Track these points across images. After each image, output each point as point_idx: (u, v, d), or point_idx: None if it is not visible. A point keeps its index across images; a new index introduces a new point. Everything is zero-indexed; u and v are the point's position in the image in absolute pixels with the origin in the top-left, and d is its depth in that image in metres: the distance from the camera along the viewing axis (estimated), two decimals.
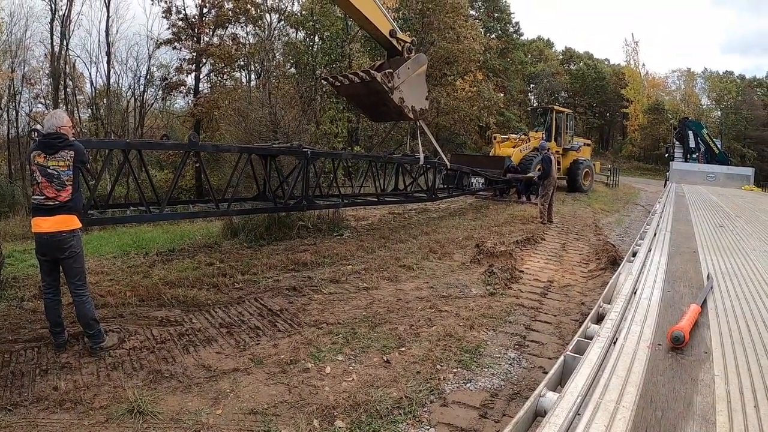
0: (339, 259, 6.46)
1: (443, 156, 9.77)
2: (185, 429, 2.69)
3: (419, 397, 3.07)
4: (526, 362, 3.70)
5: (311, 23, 20.76)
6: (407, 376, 3.32)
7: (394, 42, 7.78)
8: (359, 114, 18.32)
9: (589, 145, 20.06)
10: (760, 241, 5.44)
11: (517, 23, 38.39)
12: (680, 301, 3.05)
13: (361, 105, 8.75)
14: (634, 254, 4.45)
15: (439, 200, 10.58)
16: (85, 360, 3.46)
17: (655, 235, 5.25)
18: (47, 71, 22.31)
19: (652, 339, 2.38)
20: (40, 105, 22.83)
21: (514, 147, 15.89)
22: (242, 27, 24.32)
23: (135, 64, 24.49)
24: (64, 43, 21.60)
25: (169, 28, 23.51)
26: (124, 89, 24.93)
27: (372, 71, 7.32)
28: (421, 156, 8.71)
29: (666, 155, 25.83)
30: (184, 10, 23.33)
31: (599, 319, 2.82)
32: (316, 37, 21.68)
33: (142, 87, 24.53)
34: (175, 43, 23.39)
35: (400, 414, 2.88)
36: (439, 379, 3.30)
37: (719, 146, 22.84)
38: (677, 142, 23.17)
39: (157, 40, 23.44)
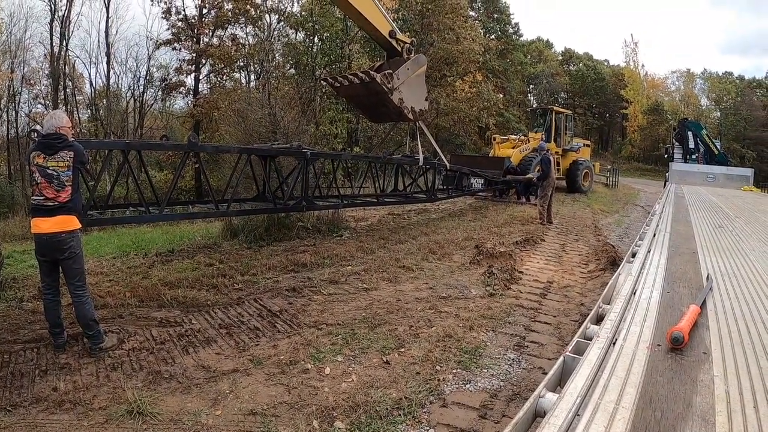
0: (338, 260, 6.45)
1: (443, 157, 9.76)
2: (185, 430, 2.70)
3: (419, 397, 3.07)
4: (525, 363, 3.71)
5: (311, 24, 20.74)
6: (407, 377, 3.33)
7: (394, 43, 7.78)
8: (359, 115, 18.32)
9: (588, 145, 20.09)
10: (760, 242, 5.44)
11: (516, 24, 38.42)
12: (680, 301, 3.05)
13: (361, 106, 8.75)
14: (634, 255, 4.44)
15: (439, 201, 10.57)
16: (84, 361, 3.46)
17: (654, 235, 5.24)
18: (47, 72, 22.30)
19: (651, 340, 2.38)
20: (39, 105, 22.85)
21: (513, 148, 15.90)
22: (242, 28, 24.42)
23: (134, 64, 24.52)
24: (64, 44, 21.61)
25: (168, 29, 23.60)
26: (123, 90, 24.95)
27: (371, 72, 7.31)
28: (421, 157, 8.71)
29: (665, 156, 25.87)
30: (184, 10, 23.43)
31: (599, 319, 2.82)
32: (316, 38, 21.65)
33: (141, 88, 24.55)
34: (175, 44, 23.44)
35: (400, 415, 2.88)
36: (438, 380, 3.30)
37: (719, 147, 22.86)
38: (677, 143, 23.18)
39: (157, 41, 23.51)
